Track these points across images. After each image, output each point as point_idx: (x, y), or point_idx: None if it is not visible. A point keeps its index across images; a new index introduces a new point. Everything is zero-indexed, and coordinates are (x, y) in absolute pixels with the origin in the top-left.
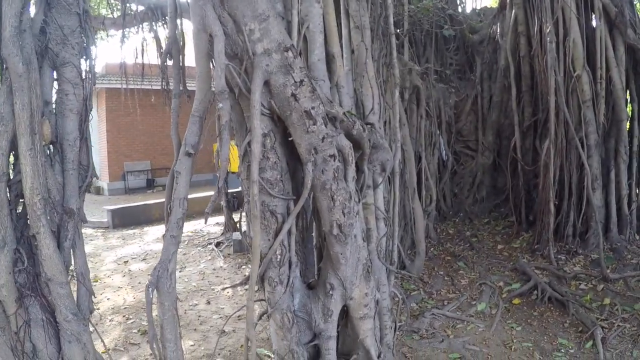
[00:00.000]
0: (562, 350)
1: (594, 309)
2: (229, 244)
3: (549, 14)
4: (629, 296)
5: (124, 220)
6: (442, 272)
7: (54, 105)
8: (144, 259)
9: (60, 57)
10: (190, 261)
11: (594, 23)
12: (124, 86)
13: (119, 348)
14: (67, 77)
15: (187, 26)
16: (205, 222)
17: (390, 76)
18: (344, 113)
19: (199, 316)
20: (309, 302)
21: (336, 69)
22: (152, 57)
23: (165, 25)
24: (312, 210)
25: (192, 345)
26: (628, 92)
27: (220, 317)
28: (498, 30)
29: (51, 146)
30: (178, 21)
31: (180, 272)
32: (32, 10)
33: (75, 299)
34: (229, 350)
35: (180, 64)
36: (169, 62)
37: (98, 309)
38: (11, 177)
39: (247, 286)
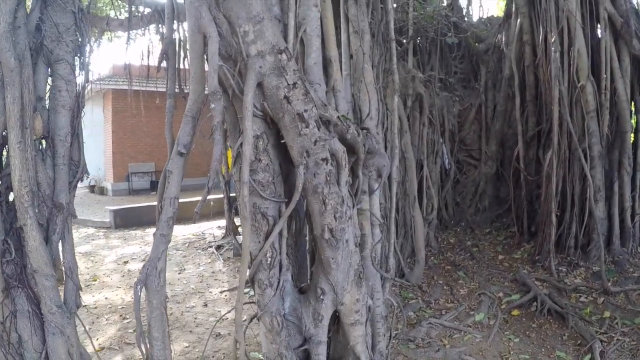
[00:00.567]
0: None
1: (594, 322)
2: (230, 247)
3: (554, 23)
4: (630, 310)
5: (126, 220)
6: (441, 281)
7: (47, 101)
8: (143, 260)
9: (55, 54)
10: (189, 263)
11: (599, 33)
12: (130, 87)
13: (114, 347)
14: (61, 73)
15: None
16: (194, 222)
17: (390, 82)
18: (338, 117)
19: (195, 318)
20: (299, 306)
21: (333, 73)
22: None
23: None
24: (305, 213)
25: (187, 347)
26: (633, 103)
27: (217, 320)
28: (503, 39)
29: (43, 141)
30: (176, 23)
31: (179, 273)
32: (29, 7)
33: (63, 292)
34: (223, 353)
35: (176, 65)
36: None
37: (95, 307)
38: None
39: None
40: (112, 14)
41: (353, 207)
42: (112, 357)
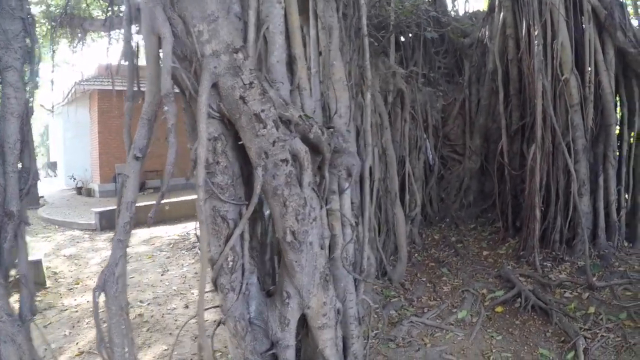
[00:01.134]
0: None
1: (578, 318)
2: None
3: (537, 16)
4: (615, 305)
5: (112, 222)
6: (424, 279)
7: None
8: (127, 262)
9: (3, 61)
10: (173, 264)
11: (583, 26)
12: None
13: (93, 351)
14: (9, 80)
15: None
16: (149, 227)
17: (362, 78)
18: (300, 116)
19: (176, 320)
20: (266, 310)
21: (298, 71)
22: (142, 59)
23: None
24: (269, 215)
25: (165, 350)
26: (618, 96)
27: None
28: (487, 34)
29: None
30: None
31: (162, 275)
32: None
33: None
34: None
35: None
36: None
37: (77, 311)
38: None
39: None
40: (96, 14)
41: (321, 208)
42: None
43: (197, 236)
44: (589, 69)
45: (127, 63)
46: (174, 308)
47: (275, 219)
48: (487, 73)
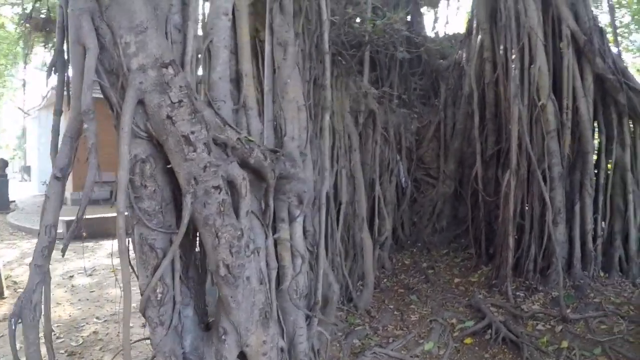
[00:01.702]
0: None
1: (550, 353)
2: None
3: (514, 39)
4: (589, 339)
5: (80, 231)
6: (392, 306)
7: None
8: (90, 275)
9: None
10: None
11: (561, 51)
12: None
13: None
14: None
15: None
16: (63, 255)
17: (321, 99)
18: (238, 138)
19: (131, 340)
20: (202, 346)
21: (244, 89)
22: None
23: None
24: None
25: None
26: (595, 123)
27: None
28: (464, 56)
29: None
30: None
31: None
32: None
33: None
34: None
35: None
36: None
37: None
38: None
39: None
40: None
41: (266, 237)
42: None
43: None
44: (567, 95)
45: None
46: (131, 327)
47: (208, 250)
48: (464, 96)
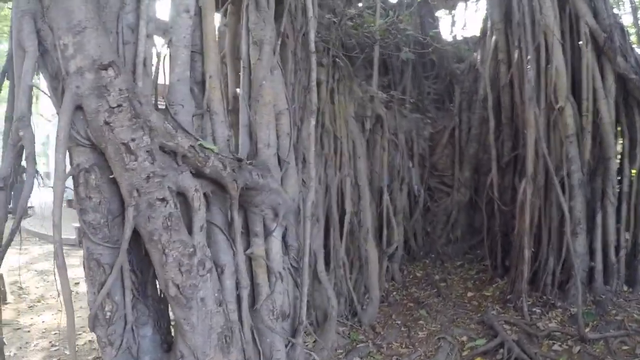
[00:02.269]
0: None
1: None
2: None
3: (529, 39)
4: None
5: None
6: (399, 321)
7: None
8: None
9: None
10: None
11: (580, 50)
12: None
13: None
14: None
15: None
16: None
17: (307, 102)
18: (191, 146)
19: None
20: None
21: (209, 92)
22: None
23: None
24: None
25: None
26: (618, 126)
27: None
28: (479, 58)
29: None
30: None
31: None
32: None
33: None
34: None
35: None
36: None
37: (29, 331)
38: None
39: None
40: None
41: (234, 254)
42: None
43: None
44: (587, 96)
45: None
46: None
47: (156, 268)
48: (479, 100)
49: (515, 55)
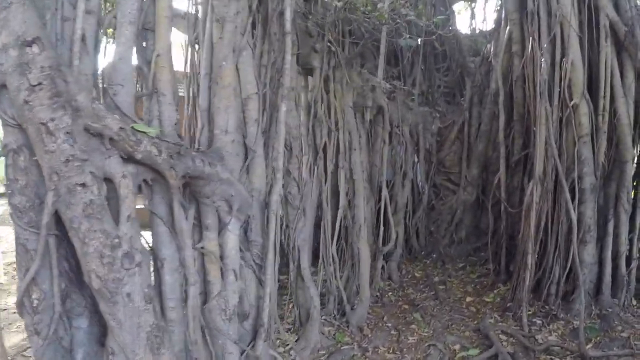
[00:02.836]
0: None
1: None
2: None
3: (545, 30)
4: None
5: None
6: (390, 324)
7: None
8: None
9: None
10: None
11: (599, 44)
12: None
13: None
14: None
15: None
16: None
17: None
18: (121, 128)
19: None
20: None
21: (157, 72)
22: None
23: None
24: None
25: None
26: (636, 128)
27: None
28: (492, 50)
29: None
30: None
31: None
32: None
33: None
34: None
35: None
36: None
37: (14, 312)
38: None
39: None
40: None
41: (179, 248)
42: None
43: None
44: (604, 94)
45: None
46: None
47: (79, 258)
48: (490, 94)
49: (529, 47)
